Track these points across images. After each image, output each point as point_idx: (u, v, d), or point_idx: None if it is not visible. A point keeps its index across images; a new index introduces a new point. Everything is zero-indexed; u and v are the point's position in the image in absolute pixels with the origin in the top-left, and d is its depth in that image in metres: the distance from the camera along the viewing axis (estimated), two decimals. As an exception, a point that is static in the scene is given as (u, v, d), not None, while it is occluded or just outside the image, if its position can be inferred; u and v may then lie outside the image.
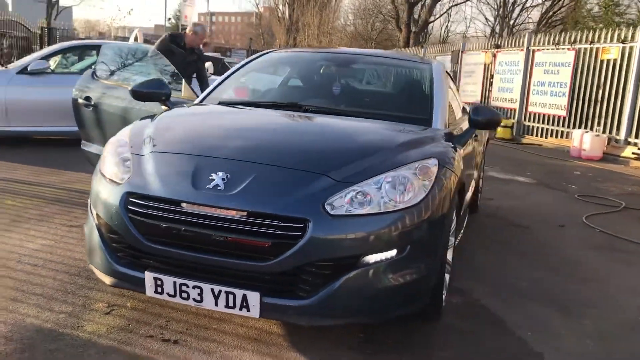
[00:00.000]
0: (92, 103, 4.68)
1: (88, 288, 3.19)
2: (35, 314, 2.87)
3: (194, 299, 2.58)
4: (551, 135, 12.72)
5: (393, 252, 2.61)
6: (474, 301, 3.51)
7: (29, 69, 7.66)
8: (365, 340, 2.87)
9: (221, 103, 3.82)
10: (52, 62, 8.09)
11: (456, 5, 31.80)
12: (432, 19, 29.57)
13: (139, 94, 3.83)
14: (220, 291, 2.53)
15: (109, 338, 2.69)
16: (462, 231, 4.18)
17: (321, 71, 4.18)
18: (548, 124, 12.78)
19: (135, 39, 9.87)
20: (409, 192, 2.69)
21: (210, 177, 2.61)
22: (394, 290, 2.64)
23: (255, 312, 2.53)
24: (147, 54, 4.90)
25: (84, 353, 2.55)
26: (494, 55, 14.70)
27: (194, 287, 2.56)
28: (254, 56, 4.36)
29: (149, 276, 2.62)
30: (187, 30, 6.94)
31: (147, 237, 2.63)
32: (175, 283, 2.58)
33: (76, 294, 3.13)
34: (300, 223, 2.47)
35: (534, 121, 13.21)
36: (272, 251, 2.47)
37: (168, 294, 2.61)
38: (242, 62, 4.31)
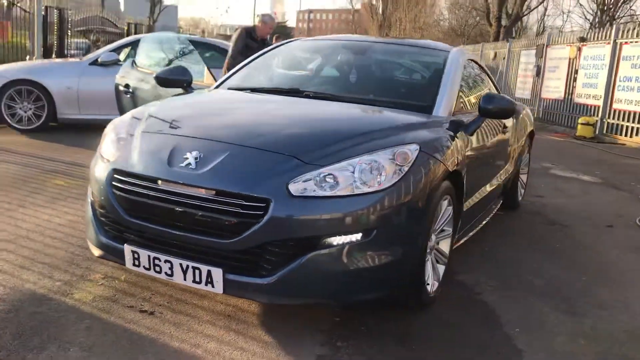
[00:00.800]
0: (130, 89, 4.93)
1: (93, 261, 3.38)
2: (35, 280, 3.09)
3: (165, 273, 2.69)
4: (637, 134, 11.92)
5: (358, 236, 2.59)
6: (474, 295, 3.40)
7: (99, 61, 8.14)
8: (338, 324, 2.86)
9: (230, 88, 3.91)
10: (122, 54, 8.55)
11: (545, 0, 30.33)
12: (524, 12, 28.39)
13: (162, 80, 4.01)
14: (187, 266, 2.62)
15: (92, 306, 2.85)
16: (477, 225, 4.05)
17: (332, 59, 4.18)
18: (634, 122, 11.98)
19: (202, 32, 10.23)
20: (382, 176, 2.66)
21: (185, 156, 2.70)
22: (357, 274, 2.62)
23: (219, 287, 2.59)
24: (182, 43, 5.10)
25: (61, 317, 2.72)
26: (579, 49, 13.94)
27: (165, 261, 2.66)
28: (277, 44, 4.44)
29: (127, 249, 2.75)
30: (257, 22, 7.19)
31: (128, 211, 2.76)
32: (149, 257, 2.70)
33: (80, 265, 3.33)
34: (262, 203, 2.51)
35: (619, 119, 12.42)
36: (235, 229, 2.53)
37: (144, 267, 2.73)
38: (265, 50, 4.40)
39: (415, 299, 3.01)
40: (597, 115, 12.93)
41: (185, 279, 2.65)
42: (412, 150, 2.81)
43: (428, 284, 3.06)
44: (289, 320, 2.86)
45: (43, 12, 10.48)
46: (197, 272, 2.61)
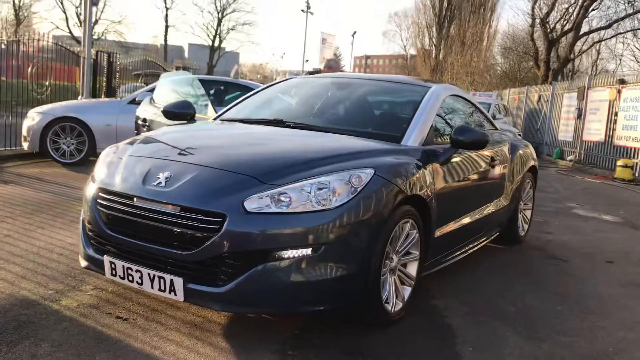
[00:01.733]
0: (147, 123, 5.34)
1: (88, 274, 3.69)
2: (31, 288, 3.43)
3: (136, 282, 2.97)
4: (678, 178, 11.62)
5: (307, 250, 2.80)
6: (440, 317, 3.52)
7: (136, 100, 8.71)
8: (295, 336, 3.06)
9: (224, 120, 4.24)
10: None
11: (601, 41, 29.93)
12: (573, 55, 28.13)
13: (169, 113, 4.39)
14: (154, 275, 2.89)
15: (74, 311, 3.15)
16: (457, 254, 4.16)
17: (319, 93, 4.47)
18: (675, 165, 11.70)
19: (236, 73, 10.81)
20: (333, 197, 2.88)
21: (157, 176, 3.01)
22: (305, 286, 2.82)
23: (180, 296, 2.85)
24: (193, 82, 5.51)
25: (44, 319, 3.03)
26: (619, 92, 13.79)
27: (136, 270, 2.94)
28: (274, 82, 4.79)
29: (106, 260, 3.06)
30: (323, 66, 7.74)
31: (109, 226, 3.08)
32: (123, 267, 2.99)
33: (76, 278, 3.66)
34: (219, 217, 2.77)
35: (659, 162, 12.16)
36: (195, 242, 2.80)
37: (119, 276, 3.02)
38: (263, 87, 4.74)
39: (372, 316, 3.17)
40: (637, 158, 12.68)
41: (152, 287, 2.92)
42: (366, 174, 3.03)
43: (388, 303, 3.22)
44: (251, 331, 3.08)
45: (94, 57, 11.27)
46: (162, 281, 2.87)
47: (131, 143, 3.60)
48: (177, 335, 2.97)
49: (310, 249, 2.81)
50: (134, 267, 2.94)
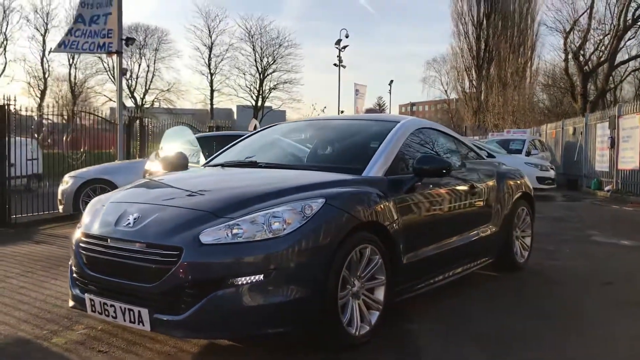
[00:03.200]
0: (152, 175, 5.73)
1: (84, 316, 3.97)
2: (28, 329, 3.75)
3: (112, 316, 3.23)
4: None
5: (260, 276, 3.02)
6: (411, 341, 3.62)
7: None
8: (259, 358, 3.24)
9: (208, 165, 4.57)
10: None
11: (636, 71, 29.44)
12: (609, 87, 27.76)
13: (164, 163, 4.76)
14: (125, 309, 3.15)
15: (61, 347, 3.44)
16: (434, 280, 4.25)
17: (294, 135, 4.77)
18: None
19: (254, 127, 11.28)
20: (283, 225, 3.11)
21: (127, 218, 3.32)
22: (258, 310, 3.02)
23: (147, 326, 3.09)
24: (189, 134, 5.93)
25: (31, 353, 3.33)
26: (648, 117, 13.58)
27: (110, 305, 3.22)
28: (258, 129, 5.13)
29: (87, 298, 3.35)
30: None
31: (88, 266, 3.39)
32: (101, 302, 3.27)
33: (72, 320, 3.95)
34: (176, 251, 3.04)
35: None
36: (156, 274, 3.06)
37: (98, 312, 3.30)
38: (249, 134, 5.08)
39: (334, 339, 3.32)
40: (672, 183, 12.36)
41: (124, 320, 3.17)
42: (317, 203, 3.25)
43: (351, 327, 3.37)
44: (216, 356, 3.28)
45: (126, 122, 11.98)
46: (131, 313, 3.13)
47: (117, 192, 3.95)
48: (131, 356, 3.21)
49: (263, 274, 3.02)
50: (109, 302, 3.21)
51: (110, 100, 51.86)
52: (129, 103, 51.35)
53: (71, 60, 49.80)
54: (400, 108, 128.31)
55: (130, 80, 52.76)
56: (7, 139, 8.90)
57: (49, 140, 13.01)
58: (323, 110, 44.12)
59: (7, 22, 46.51)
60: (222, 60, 52.57)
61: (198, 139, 10.31)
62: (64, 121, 11.98)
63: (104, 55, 51.36)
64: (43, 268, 5.61)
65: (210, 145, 7.26)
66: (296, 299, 3.09)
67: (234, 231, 3.09)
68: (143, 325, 3.10)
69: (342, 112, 27.64)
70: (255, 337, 3.29)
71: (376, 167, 3.92)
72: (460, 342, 3.59)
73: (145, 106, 51.03)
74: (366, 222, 3.47)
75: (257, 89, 52.61)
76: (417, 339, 3.63)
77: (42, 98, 47.86)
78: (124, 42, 11.53)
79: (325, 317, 3.23)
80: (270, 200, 3.30)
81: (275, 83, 52.93)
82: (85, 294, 3.36)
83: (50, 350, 3.40)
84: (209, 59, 52.28)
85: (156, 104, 53.32)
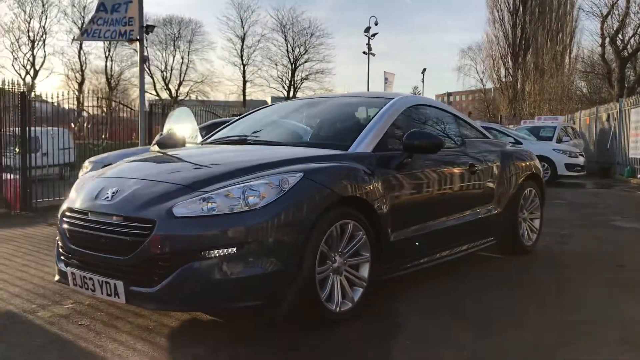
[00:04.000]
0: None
1: (75, 293, 4.02)
2: (18, 303, 3.81)
3: (91, 289, 3.25)
4: None
5: (232, 249, 2.99)
6: (395, 317, 3.56)
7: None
8: (235, 336, 3.22)
9: (203, 143, 4.57)
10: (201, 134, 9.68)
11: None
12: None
13: (159, 144, 4.77)
14: (102, 281, 3.16)
15: (45, 320, 3.48)
16: (428, 259, 4.16)
17: (288, 113, 4.72)
18: None
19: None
20: (257, 199, 3.08)
21: (107, 192, 3.33)
22: (230, 283, 2.99)
23: (122, 298, 3.10)
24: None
25: (16, 325, 3.39)
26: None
27: (89, 278, 3.23)
28: (256, 109, 5.11)
29: (69, 271, 3.37)
30: None
31: (71, 240, 3.41)
32: (81, 276, 3.29)
33: (63, 295, 4.00)
34: (149, 223, 3.03)
35: None
36: (131, 247, 3.06)
37: (79, 285, 3.33)
38: (246, 113, 5.06)
39: (310, 314, 3.28)
40: None
41: (102, 293, 3.19)
42: (295, 177, 3.20)
43: (331, 303, 3.32)
44: (195, 331, 3.28)
45: (147, 109, 12.11)
46: (108, 286, 3.14)
47: (104, 169, 3.96)
48: (126, 336, 3.21)
49: (236, 247, 2.99)
50: (89, 276, 3.23)
51: (147, 92, 52.72)
52: (164, 95, 52.07)
53: (107, 53, 50.64)
54: (437, 98, 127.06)
55: (164, 73, 53.45)
56: (28, 128, 9.10)
57: (84, 131, 13.29)
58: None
59: (46, 16, 47.59)
60: (254, 51, 52.74)
61: (217, 123, 10.37)
62: (103, 113, 12.25)
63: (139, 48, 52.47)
64: (49, 248, 5.70)
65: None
66: (270, 272, 3.05)
67: (209, 204, 3.06)
68: (119, 298, 3.11)
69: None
70: (229, 311, 3.27)
71: (364, 143, 3.84)
72: (446, 321, 3.50)
73: (179, 98, 51.65)
74: (347, 197, 3.40)
75: (289, 79, 52.66)
76: (401, 317, 3.56)
77: (79, 90, 48.87)
78: (144, 29, 11.59)
79: (302, 291, 3.18)
80: (249, 175, 3.26)
81: (307, 73, 52.88)
82: (68, 268, 3.39)
83: (33, 322, 3.44)
84: (242, 50, 52.49)
85: (192, 96, 53.87)
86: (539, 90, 44.34)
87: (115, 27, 11.44)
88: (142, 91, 11.93)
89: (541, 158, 8.42)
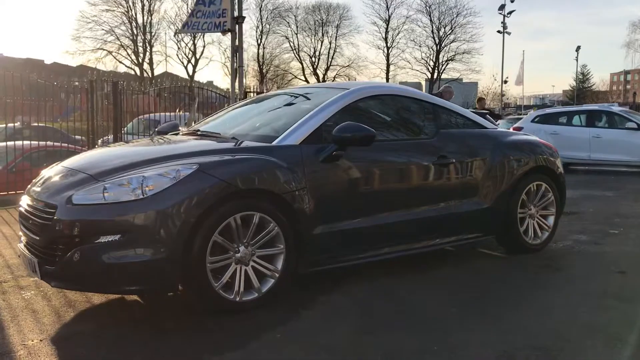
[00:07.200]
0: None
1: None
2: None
3: (25, 265, 3.67)
4: None
5: (118, 236, 3.21)
6: (299, 310, 3.57)
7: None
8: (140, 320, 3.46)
9: (183, 132, 4.82)
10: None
11: None
12: None
13: (160, 132, 5.15)
14: (29, 259, 3.55)
15: (3, 289, 3.96)
16: (373, 252, 4.06)
17: (254, 107, 4.92)
18: None
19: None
20: (148, 189, 3.27)
21: (41, 179, 3.73)
22: (117, 268, 3.22)
23: (38, 275, 3.46)
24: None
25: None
26: None
27: (24, 255, 3.64)
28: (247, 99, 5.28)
29: (19, 249, 3.79)
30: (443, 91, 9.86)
31: (21, 221, 3.84)
32: (22, 253, 3.70)
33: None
34: (53, 209, 3.36)
35: None
36: (41, 229, 3.42)
37: (23, 262, 3.77)
38: (235, 105, 5.25)
39: (202, 302, 3.42)
40: None
41: (29, 269, 3.59)
42: (188, 169, 3.35)
43: (229, 291, 3.42)
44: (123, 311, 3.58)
45: (240, 97, 12.75)
46: (31, 263, 3.52)
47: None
48: (43, 302, 3.60)
49: (121, 234, 3.21)
50: (24, 253, 3.64)
51: (295, 77, 54.79)
52: (312, 80, 53.57)
53: (259, 40, 53.23)
54: (612, 77, 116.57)
55: (312, 58, 55.03)
56: (121, 112, 10.04)
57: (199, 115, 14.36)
58: (505, 82, 42.12)
59: (205, 7, 51.02)
60: (398, 33, 52.33)
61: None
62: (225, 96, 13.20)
63: (289, 34, 54.76)
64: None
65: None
66: (155, 259, 3.22)
67: (104, 193, 3.31)
68: (37, 274, 3.47)
69: (505, 81, 25.81)
70: (118, 293, 3.51)
71: (293, 136, 3.85)
72: (349, 316, 3.45)
73: (327, 81, 52.89)
74: (250, 189, 3.47)
75: (434, 61, 51.56)
76: (306, 310, 3.56)
77: (240, 79, 51.83)
78: (236, 20, 12.15)
79: (192, 279, 3.33)
80: (150, 165, 3.46)
81: (453, 54, 51.39)
82: (19, 245, 3.83)
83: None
84: (386, 32, 52.37)
85: (338, 80, 54.91)
86: None
87: (212, 19, 12.16)
88: (240, 79, 12.55)
89: None
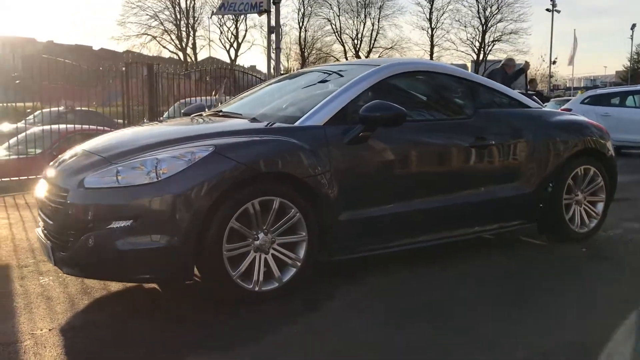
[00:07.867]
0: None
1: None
2: (8, 258, 4.27)
3: (42, 251, 3.57)
4: None
5: (131, 222, 3.04)
6: (317, 300, 3.36)
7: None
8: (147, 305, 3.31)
9: (209, 113, 4.64)
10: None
11: None
12: None
13: (186, 114, 5.00)
14: (44, 244, 3.43)
15: (21, 272, 3.89)
16: (403, 241, 3.81)
17: (281, 87, 4.67)
18: None
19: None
20: (162, 171, 3.10)
21: (59, 161, 3.60)
22: (131, 254, 3.05)
23: (52, 260, 3.34)
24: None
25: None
26: None
27: (41, 240, 3.52)
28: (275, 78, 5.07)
29: (37, 233, 3.68)
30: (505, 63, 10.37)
31: (39, 205, 3.74)
32: (39, 238, 3.59)
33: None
34: (65, 192, 3.22)
35: None
36: (55, 213, 3.29)
37: (40, 247, 3.66)
38: (262, 84, 5.04)
39: (221, 291, 3.23)
40: None
41: (44, 254, 3.49)
42: (204, 151, 3.16)
43: (248, 281, 3.23)
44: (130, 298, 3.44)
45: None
46: (45, 248, 3.41)
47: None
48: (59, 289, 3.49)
49: (135, 219, 3.03)
50: (42, 238, 3.52)
51: (337, 60, 54.22)
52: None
53: (300, 24, 52.86)
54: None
55: (355, 40, 54.37)
56: (156, 95, 9.99)
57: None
58: (554, 62, 40.60)
59: (247, -10, 50.95)
60: (443, 14, 51.04)
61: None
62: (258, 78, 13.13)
63: (331, 17, 54.21)
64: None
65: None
66: (170, 246, 3.05)
67: (118, 177, 3.15)
68: (51, 259, 3.35)
69: (554, 62, 24.94)
70: (131, 282, 3.35)
71: (317, 116, 3.61)
72: (367, 307, 3.23)
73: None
74: (270, 173, 3.26)
75: (479, 41, 50.19)
76: (323, 299, 3.36)
77: (276, 60, 51.90)
78: (272, 1, 11.92)
79: (208, 267, 3.15)
80: (165, 147, 3.29)
81: (500, 34, 49.88)
82: (37, 229, 3.73)
83: (9, 275, 3.86)
84: (430, 13, 51.19)
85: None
86: None
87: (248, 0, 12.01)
88: (276, 60, 12.39)
89: None
